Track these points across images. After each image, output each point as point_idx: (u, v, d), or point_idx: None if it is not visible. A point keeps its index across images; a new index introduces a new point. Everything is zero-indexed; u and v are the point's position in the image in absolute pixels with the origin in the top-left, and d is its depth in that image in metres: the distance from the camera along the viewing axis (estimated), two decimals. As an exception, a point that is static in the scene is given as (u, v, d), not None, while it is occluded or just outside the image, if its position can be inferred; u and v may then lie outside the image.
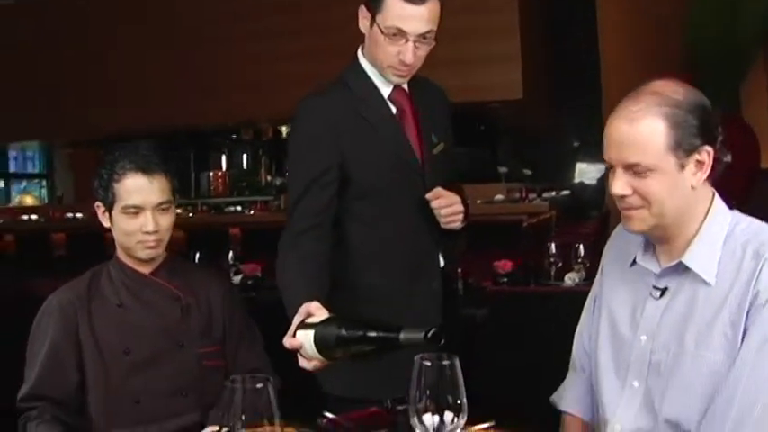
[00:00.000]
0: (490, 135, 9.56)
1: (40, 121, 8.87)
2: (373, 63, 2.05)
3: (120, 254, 2.11)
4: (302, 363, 1.64)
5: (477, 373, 3.22)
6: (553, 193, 7.85)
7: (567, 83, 8.13)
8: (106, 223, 2.08)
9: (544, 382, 1.92)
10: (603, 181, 7.33)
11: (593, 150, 8.22)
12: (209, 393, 2.03)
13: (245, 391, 1.17)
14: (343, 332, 1.48)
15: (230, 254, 4.56)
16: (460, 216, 2.07)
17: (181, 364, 2.04)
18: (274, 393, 1.18)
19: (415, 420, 1.22)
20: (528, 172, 9.34)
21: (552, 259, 3.86)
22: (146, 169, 2.00)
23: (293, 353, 1.64)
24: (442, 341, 1.29)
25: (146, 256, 2.05)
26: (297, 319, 1.66)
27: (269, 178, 9.38)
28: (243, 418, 1.16)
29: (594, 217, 6.83)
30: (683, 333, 1.56)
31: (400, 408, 1.40)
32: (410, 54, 1.96)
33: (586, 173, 9.02)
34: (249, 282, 4.20)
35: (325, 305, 1.67)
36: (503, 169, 8.96)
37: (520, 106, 7.87)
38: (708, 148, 1.53)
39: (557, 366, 1.93)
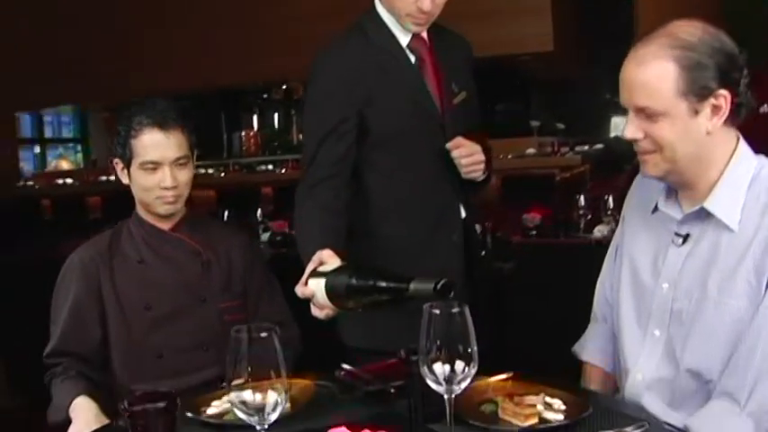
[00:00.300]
0: (522, 89, 9.45)
1: (74, 86, 8.95)
2: (391, 11, 2.01)
3: (140, 210, 2.12)
4: (314, 311, 1.63)
5: (504, 325, 3.25)
6: (586, 147, 7.75)
7: (600, 34, 7.96)
8: (125, 180, 2.08)
9: (570, 334, 1.90)
10: None
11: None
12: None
13: (250, 340, 1.16)
14: (354, 281, 1.47)
15: (259, 211, 4.57)
16: (481, 166, 2.03)
17: (202, 319, 2.05)
18: (279, 342, 1.17)
19: (425, 370, 1.20)
20: (561, 126, 9.23)
21: (581, 212, 3.81)
22: (162, 124, 1.99)
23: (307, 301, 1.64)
24: (452, 293, 1.27)
25: (165, 212, 2.05)
26: (309, 267, 1.65)
27: (301, 137, 9.38)
28: (249, 369, 1.15)
29: (626, 170, 6.71)
30: (706, 280, 1.52)
31: (414, 358, 1.38)
32: (428, 1, 1.92)
33: (621, 126, 8.82)
34: (278, 238, 4.22)
35: (340, 254, 1.65)
36: (535, 123, 8.87)
37: (551, 59, 7.76)
38: (724, 92, 1.46)
39: (582, 318, 1.90)
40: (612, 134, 8.68)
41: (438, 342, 1.19)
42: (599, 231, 3.60)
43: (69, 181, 9.20)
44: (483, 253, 3.85)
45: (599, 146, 8.11)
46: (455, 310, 1.18)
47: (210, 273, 2.09)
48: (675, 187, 1.60)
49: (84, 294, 2.03)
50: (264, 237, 4.40)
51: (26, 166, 11.43)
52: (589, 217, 3.81)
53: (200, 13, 8.15)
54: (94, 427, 1.72)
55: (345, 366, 1.70)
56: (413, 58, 2.04)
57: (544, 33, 7.34)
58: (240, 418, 1.20)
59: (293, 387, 1.61)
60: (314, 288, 1.58)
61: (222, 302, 2.08)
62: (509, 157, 7.13)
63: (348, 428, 1.27)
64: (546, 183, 6.28)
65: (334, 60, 2.02)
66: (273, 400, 1.15)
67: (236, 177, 8.50)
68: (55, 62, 8.70)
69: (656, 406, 1.55)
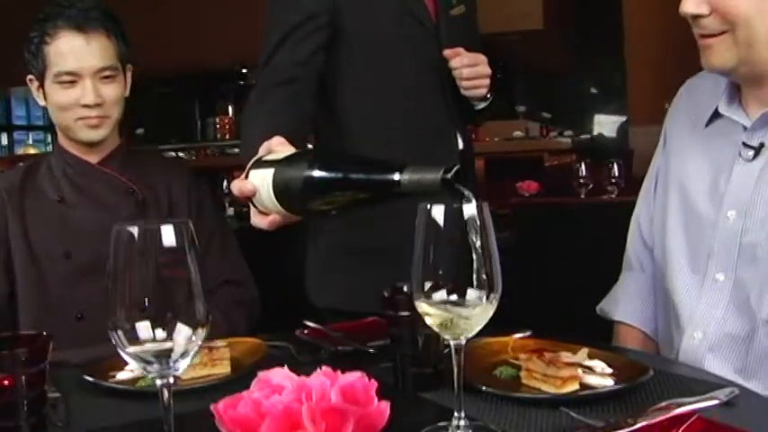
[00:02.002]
0: (509, 73, 9.13)
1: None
2: None
3: (62, 140, 1.71)
4: (255, 218, 1.12)
5: (509, 300, 2.82)
6: (571, 133, 7.43)
7: (588, 20, 7.66)
8: (42, 101, 1.67)
9: (588, 298, 1.52)
10: (624, 132, 6.84)
11: (613, 99, 7.83)
12: (169, 309, 1.63)
13: (146, 235, 0.76)
14: (316, 172, 0.97)
15: (224, 182, 4.15)
16: (486, 81, 1.64)
17: (135, 272, 1.64)
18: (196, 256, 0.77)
19: (421, 304, 0.80)
20: (547, 115, 8.92)
21: (582, 180, 3.42)
22: (82, 27, 1.59)
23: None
24: (465, 195, 0.85)
25: (87, 138, 1.64)
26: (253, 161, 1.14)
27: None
28: (148, 287, 0.75)
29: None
30: (788, 204, 1.14)
31: (404, 291, 0.98)
32: None
33: (605, 124, 8.56)
34: (245, 209, 3.80)
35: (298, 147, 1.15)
36: (521, 108, 8.57)
37: (539, 41, 7.43)
38: None
39: (600, 278, 1.52)
40: (596, 132, 8.37)
41: (441, 258, 0.78)
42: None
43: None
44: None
45: (586, 135, 7.83)
46: (468, 206, 0.78)
47: (146, 215, 1.69)
48: (743, 84, 1.22)
49: None
50: (230, 211, 3.99)
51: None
52: (590, 186, 3.43)
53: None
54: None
55: (309, 324, 1.30)
56: None
57: (534, 10, 7.00)
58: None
59: (235, 347, 1.22)
60: (257, 183, 1.04)
61: (160, 254, 1.67)
62: (495, 139, 6.80)
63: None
64: (535, 166, 5.91)
65: None
66: (184, 339, 0.75)
67: (207, 161, 8.09)
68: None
69: (722, 373, 1.16)
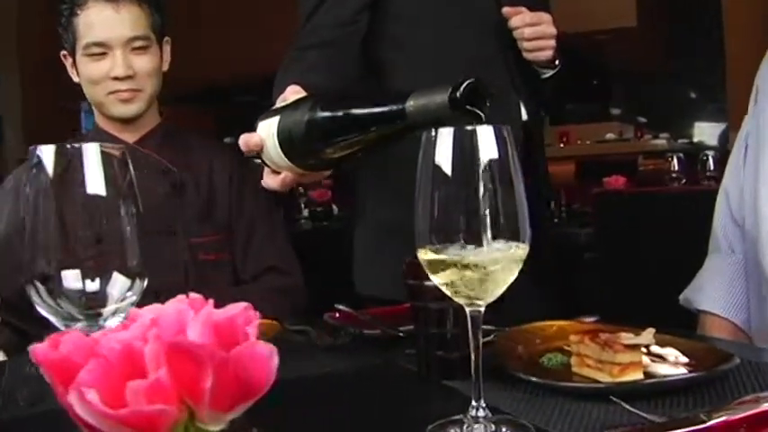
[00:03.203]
0: (603, 74, 8.83)
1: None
2: None
3: (98, 118, 1.62)
4: (266, 179, 0.98)
5: (589, 296, 2.60)
6: (667, 135, 7.06)
7: (685, 15, 7.30)
8: (75, 78, 1.58)
9: (669, 285, 1.31)
10: (725, 139, 6.41)
11: (712, 102, 7.40)
12: (204, 295, 1.51)
13: (66, 164, 0.63)
14: (318, 113, 0.83)
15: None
16: (552, 42, 1.44)
17: (170, 255, 1.53)
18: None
19: (427, 252, 0.62)
20: (643, 119, 8.55)
21: (674, 175, 3.17)
22: None
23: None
24: (487, 105, 0.67)
25: (120, 114, 1.55)
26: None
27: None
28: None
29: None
30: None
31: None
32: None
33: (705, 131, 8.10)
34: (318, 209, 3.70)
35: None
36: (615, 110, 8.26)
37: (633, 39, 7.10)
38: None
39: (684, 266, 1.31)
40: (697, 139, 7.92)
41: (450, 198, 0.61)
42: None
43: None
44: (555, 221, 3.28)
45: (684, 140, 7.43)
46: (486, 131, 0.60)
47: (184, 197, 1.58)
48: None
49: (15, 224, 1.54)
50: (306, 212, 3.90)
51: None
52: (683, 182, 3.17)
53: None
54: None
55: (340, 307, 1.15)
56: None
57: (627, 7, 6.70)
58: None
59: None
60: (263, 134, 0.92)
61: (197, 236, 1.56)
62: (587, 142, 6.54)
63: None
64: (629, 170, 5.61)
65: None
66: (118, 292, 0.61)
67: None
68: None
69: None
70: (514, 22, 1.41)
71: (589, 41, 7.21)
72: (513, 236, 0.60)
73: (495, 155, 0.59)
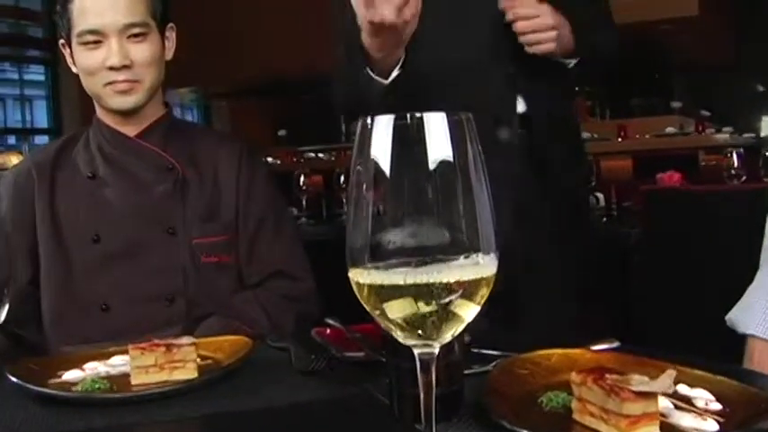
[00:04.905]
0: (663, 66, 8.55)
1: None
2: None
3: (98, 110, 1.53)
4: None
5: (634, 300, 2.43)
6: (731, 129, 6.75)
7: (750, 1, 7.00)
8: (74, 68, 1.49)
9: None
10: None
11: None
12: (205, 300, 1.41)
13: None
14: None
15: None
16: (551, 34, 1.34)
17: (169, 258, 1.43)
18: None
19: (362, 273, 0.49)
20: (706, 113, 8.25)
21: (733, 171, 2.95)
22: None
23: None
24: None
25: (118, 106, 1.45)
26: None
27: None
28: None
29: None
30: None
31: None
32: None
33: (772, 126, 7.74)
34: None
35: None
36: (676, 104, 7.97)
37: (695, 28, 6.82)
38: None
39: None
40: (764, 134, 7.57)
41: (392, 203, 0.48)
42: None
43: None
44: (604, 219, 3.10)
45: (749, 135, 7.09)
46: (435, 119, 0.47)
47: (187, 195, 1.47)
48: None
49: (12, 219, 1.46)
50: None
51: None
52: (743, 179, 2.95)
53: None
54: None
55: (330, 322, 1.03)
56: None
57: (687, -5, 6.44)
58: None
59: (212, 345, 0.96)
60: None
61: (200, 237, 1.45)
62: (646, 136, 6.29)
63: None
64: (689, 165, 5.37)
65: None
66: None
67: (346, 161, 8.03)
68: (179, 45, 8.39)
69: None
70: (511, 15, 1.38)
71: (649, 32, 6.96)
72: (472, 245, 0.47)
73: (447, 149, 0.46)
